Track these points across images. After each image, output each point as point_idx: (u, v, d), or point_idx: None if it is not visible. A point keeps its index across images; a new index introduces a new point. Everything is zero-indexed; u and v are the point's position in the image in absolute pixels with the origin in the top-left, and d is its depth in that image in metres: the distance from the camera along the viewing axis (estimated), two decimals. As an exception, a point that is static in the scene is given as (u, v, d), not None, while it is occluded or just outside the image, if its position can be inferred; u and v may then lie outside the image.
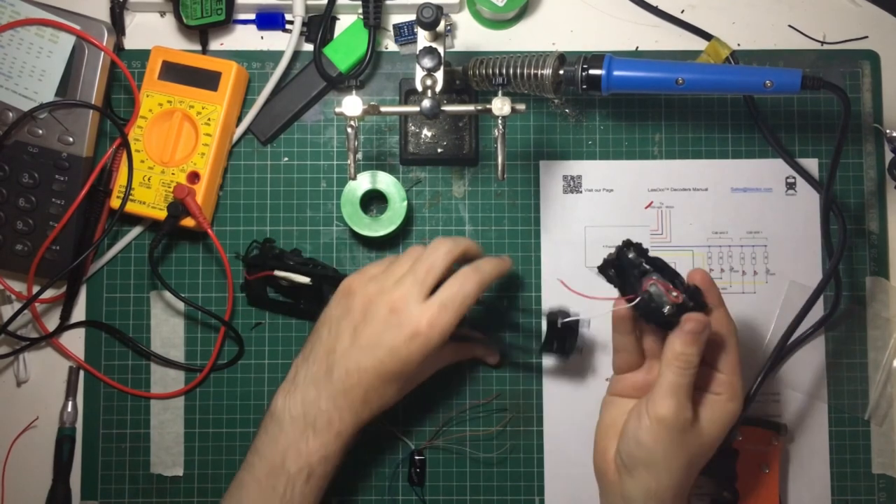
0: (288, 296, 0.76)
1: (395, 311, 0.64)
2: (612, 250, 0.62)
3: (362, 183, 0.74)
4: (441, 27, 0.66)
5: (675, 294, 0.59)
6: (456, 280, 0.65)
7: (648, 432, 0.60)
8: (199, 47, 0.78)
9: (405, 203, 0.74)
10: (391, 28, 0.76)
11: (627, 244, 0.61)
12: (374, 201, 0.77)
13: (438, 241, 0.67)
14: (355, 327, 0.65)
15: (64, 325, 0.76)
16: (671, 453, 0.60)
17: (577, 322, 0.71)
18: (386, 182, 0.74)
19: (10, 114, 0.73)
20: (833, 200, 0.75)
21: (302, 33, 0.76)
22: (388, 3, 0.76)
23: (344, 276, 0.69)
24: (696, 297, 0.60)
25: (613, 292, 0.63)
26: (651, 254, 0.61)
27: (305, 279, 0.73)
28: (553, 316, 0.70)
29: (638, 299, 0.60)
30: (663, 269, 0.61)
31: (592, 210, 0.77)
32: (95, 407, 0.76)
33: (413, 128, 0.77)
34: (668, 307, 0.59)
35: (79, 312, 0.77)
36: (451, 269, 0.66)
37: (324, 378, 0.65)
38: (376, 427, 0.74)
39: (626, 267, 0.61)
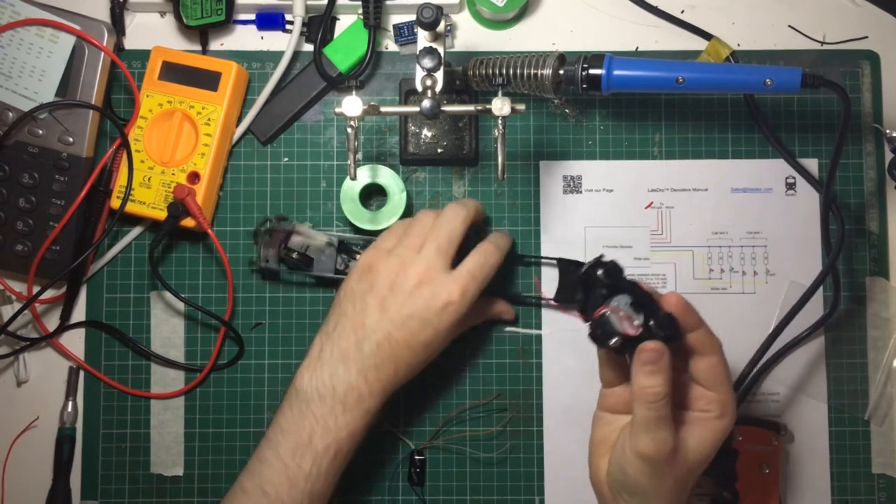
0: (298, 269, 0.76)
1: (423, 282, 0.65)
2: (594, 260, 0.59)
3: (360, 178, 0.74)
4: (441, 27, 0.66)
5: (635, 324, 0.56)
6: (481, 252, 0.68)
7: (631, 465, 0.58)
8: (199, 47, 0.78)
9: (404, 194, 0.74)
10: (391, 28, 0.76)
11: (598, 263, 0.58)
12: (373, 196, 0.77)
13: (452, 207, 0.69)
14: (382, 301, 0.65)
15: (64, 326, 0.76)
16: (657, 482, 0.58)
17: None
18: (384, 175, 0.74)
19: (10, 114, 0.73)
20: (833, 200, 0.75)
21: (302, 33, 0.76)
22: (388, 3, 0.76)
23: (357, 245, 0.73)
24: (669, 326, 0.57)
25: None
26: (644, 264, 0.59)
27: (323, 238, 0.74)
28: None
29: (589, 323, 0.58)
30: (633, 293, 0.57)
31: (592, 210, 0.77)
32: (95, 407, 0.76)
33: (413, 128, 0.77)
34: (615, 339, 0.57)
35: (79, 313, 0.77)
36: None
37: (354, 352, 0.65)
38: (376, 427, 0.74)
39: (593, 286, 0.58)
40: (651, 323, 0.57)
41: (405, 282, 0.65)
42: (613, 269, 0.58)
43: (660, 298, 0.58)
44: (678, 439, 0.58)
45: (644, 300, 0.57)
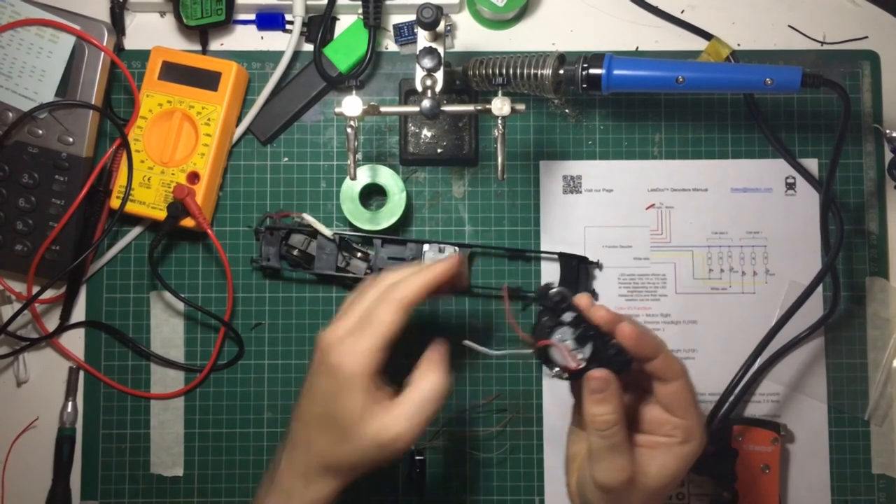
0: (299, 266, 0.76)
1: (320, 351, 0.60)
2: (541, 290, 0.58)
3: (360, 178, 0.74)
4: (441, 27, 0.66)
5: (578, 358, 0.57)
6: (425, 390, 0.60)
7: (592, 492, 0.58)
8: (199, 47, 0.78)
9: (404, 194, 0.74)
10: (391, 28, 0.76)
11: (543, 296, 0.57)
12: (373, 196, 0.77)
13: (384, 296, 0.61)
14: (308, 377, 0.62)
15: (64, 326, 0.76)
16: None
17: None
18: (384, 175, 0.74)
19: (10, 114, 0.73)
20: (832, 200, 0.75)
21: (302, 33, 0.76)
22: (388, 3, 0.76)
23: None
24: (616, 359, 0.56)
25: None
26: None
27: (328, 231, 0.73)
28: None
29: (534, 350, 0.58)
30: (578, 326, 0.57)
31: (592, 210, 0.77)
32: (95, 407, 0.76)
33: (413, 128, 0.77)
34: (555, 370, 0.57)
35: (79, 313, 0.77)
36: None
37: (286, 435, 0.63)
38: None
39: (543, 313, 0.58)
40: (598, 353, 0.57)
41: (318, 357, 0.60)
42: (559, 301, 0.57)
43: (615, 327, 0.57)
44: (639, 465, 0.57)
45: (590, 332, 0.57)
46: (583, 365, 0.57)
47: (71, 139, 0.74)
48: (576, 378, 0.58)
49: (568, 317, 0.57)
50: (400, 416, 0.58)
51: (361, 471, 0.60)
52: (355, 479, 0.61)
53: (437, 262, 0.62)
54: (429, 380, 0.60)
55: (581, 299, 0.58)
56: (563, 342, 0.57)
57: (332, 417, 0.59)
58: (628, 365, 0.57)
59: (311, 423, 0.60)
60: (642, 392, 0.60)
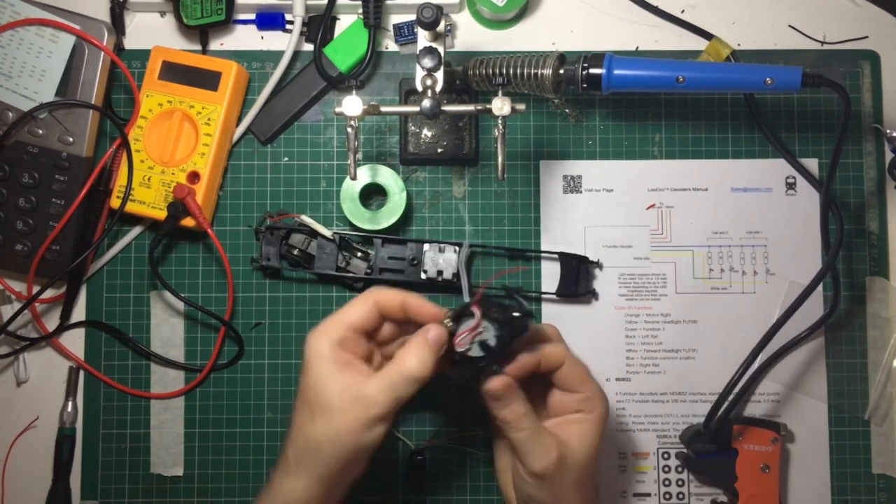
0: (299, 266, 0.76)
1: (304, 364, 0.60)
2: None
3: (360, 178, 0.74)
4: (441, 27, 0.66)
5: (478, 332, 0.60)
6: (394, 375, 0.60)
7: (529, 485, 0.62)
8: (199, 47, 0.78)
9: (404, 194, 0.74)
10: (391, 28, 0.76)
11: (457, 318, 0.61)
12: (373, 195, 0.77)
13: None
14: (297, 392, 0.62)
15: (64, 325, 0.76)
16: (558, 490, 0.62)
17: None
18: (384, 175, 0.74)
19: (10, 114, 0.73)
20: (832, 200, 0.75)
21: (302, 33, 0.76)
22: (388, 3, 0.76)
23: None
24: (516, 320, 0.60)
25: None
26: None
27: (328, 231, 0.74)
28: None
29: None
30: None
31: (592, 210, 0.77)
32: (95, 407, 0.76)
33: (413, 128, 0.77)
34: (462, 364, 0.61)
35: (79, 312, 0.77)
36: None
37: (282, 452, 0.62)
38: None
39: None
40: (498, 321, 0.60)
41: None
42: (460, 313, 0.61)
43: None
44: (562, 444, 0.62)
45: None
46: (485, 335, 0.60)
47: (71, 139, 0.74)
48: (467, 370, 0.61)
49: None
50: (374, 386, 0.58)
51: (340, 456, 0.58)
52: (338, 471, 0.59)
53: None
54: (414, 358, 0.59)
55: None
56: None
57: (306, 397, 0.59)
58: (524, 324, 0.60)
59: (294, 416, 0.60)
60: (542, 388, 0.65)
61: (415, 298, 0.62)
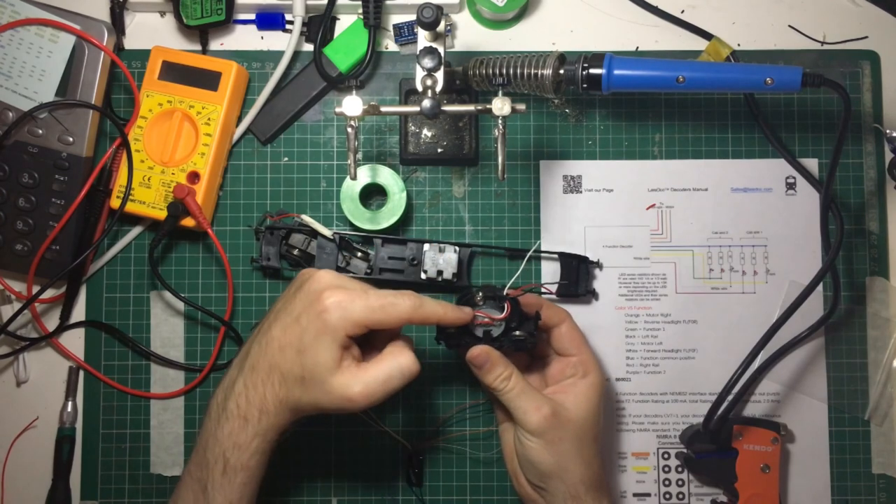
0: (299, 266, 0.76)
1: (313, 290, 0.61)
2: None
3: (360, 178, 0.74)
4: (441, 27, 0.66)
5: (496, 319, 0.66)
6: (388, 293, 0.62)
7: (529, 449, 0.65)
8: (199, 47, 0.78)
9: (404, 194, 0.74)
10: (391, 28, 0.76)
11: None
12: (373, 195, 0.77)
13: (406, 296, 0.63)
14: (284, 304, 0.63)
15: (64, 325, 0.76)
16: (556, 449, 0.65)
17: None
18: (384, 175, 0.74)
19: (10, 114, 0.73)
20: (832, 200, 0.75)
21: (302, 33, 0.76)
22: (388, 3, 0.76)
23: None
24: (524, 336, 0.67)
25: None
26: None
27: (328, 231, 0.74)
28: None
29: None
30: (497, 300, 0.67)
31: (592, 210, 0.77)
32: (95, 407, 0.76)
33: (413, 128, 0.77)
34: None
35: (79, 312, 0.77)
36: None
37: (244, 355, 0.63)
38: (375, 427, 0.74)
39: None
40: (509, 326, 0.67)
41: (307, 290, 0.62)
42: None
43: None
44: (557, 404, 0.66)
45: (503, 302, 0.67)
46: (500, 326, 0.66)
47: (71, 139, 0.74)
48: (452, 345, 0.68)
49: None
50: (367, 379, 0.61)
51: (320, 413, 0.62)
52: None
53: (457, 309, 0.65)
54: (402, 357, 0.62)
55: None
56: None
57: (303, 358, 0.60)
58: (526, 346, 0.67)
59: (279, 356, 0.61)
60: (541, 363, 0.71)
61: (451, 312, 0.64)
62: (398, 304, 0.61)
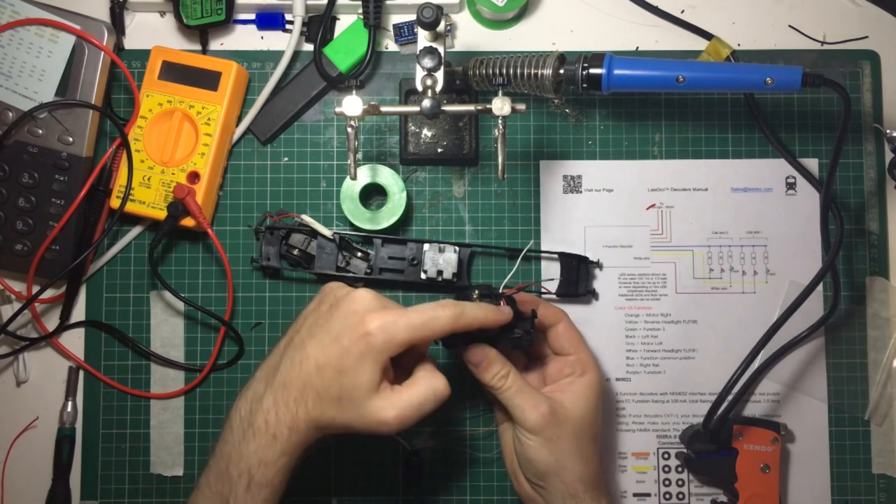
0: (299, 266, 0.76)
1: (354, 311, 0.61)
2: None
3: (360, 178, 0.74)
4: (441, 27, 0.66)
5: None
6: (428, 307, 0.62)
7: (528, 448, 0.65)
8: (199, 47, 0.78)
9: (404, 194, 0.74)
10: (391, 28, 0.76)
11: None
12: (373, 195, 0.77)
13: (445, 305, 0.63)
14: (316, 320, 0.62)
15: (64, 325, 0.76)
16: (555, 447, 0.65)
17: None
18: (384, 175, 0.74)
19: (10, 114, 0.73)
20: (832, 200, 0.75)
21: (302, 33, 0.76)
22: (388, 3, 0.76)
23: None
24: (522, 333, 0.67)
25: None
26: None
27: (328, 231, 0.74)
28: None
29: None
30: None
31: (592, 210, 0.77)
32: (95, 407, 0.76)
33: (413, 128, 0.77)
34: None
35: (79, 312, 0.77)
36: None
37: (272, 370, 0.62)
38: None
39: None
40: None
41: (342, 306, 0.61)
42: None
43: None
44: (555, 402, 0.66)
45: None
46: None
47: (71, 139, 0.74)
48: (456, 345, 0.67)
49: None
50: (401, 403, 0.60)
51: (350, 434, 0.62)
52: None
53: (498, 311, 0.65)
54: (436, 380, 0.62)
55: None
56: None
57: (343, 378, 0.59)
58: (522, 344, 0.67)
59: (316, 375, 0.60)
60: (539, 362, 0.71)
61: (492, 314, 0.64)
62: (440, 318, 0.61)
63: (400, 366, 0.63)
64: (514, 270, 0.73)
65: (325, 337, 0.60)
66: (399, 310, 0.61)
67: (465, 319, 0.62)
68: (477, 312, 0.63)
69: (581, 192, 0.77)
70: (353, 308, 0.60)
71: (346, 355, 0.59)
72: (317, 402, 0.60)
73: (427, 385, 0.61)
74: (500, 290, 0.68)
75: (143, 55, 0.76)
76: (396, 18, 0.77)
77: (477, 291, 0.66)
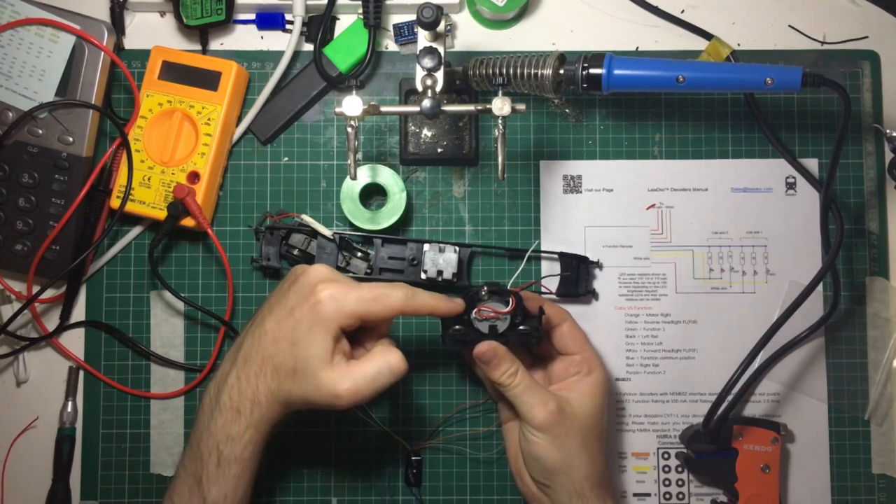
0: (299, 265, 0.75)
1: (308, 283, 0.62)
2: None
3: (360, 178, 0.74)
4: (441, 27, 0.66)
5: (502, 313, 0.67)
6: (381, 285, 0.63)
7: (535, 445, 0.66)
8: (199, 47, 0.78)
9: (404, 194, 0.74)
10: (391, 28, 0.76)
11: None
12: (373, 195, 0.77)
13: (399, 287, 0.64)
14: (278, 298, 0.64)
15: (64, 325, 0.76)
16: (562, 446, 0.65)
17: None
18: (384, 175, 0.74)
19: (10, 114, 0.73)
20: (832, 200, 0.75)
21: (302, 33, 0.76)
22: (388, 3, 0.76)
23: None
24: (528, 330, 0.67)
25: None
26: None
27: (328, 231, 0.74)
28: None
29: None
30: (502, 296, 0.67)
31: (592, 210, 0.77)
32: (95, 407, 0.76)
33: (413, 128, 0.77)
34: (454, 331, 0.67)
35: (79, 312, 0.77)
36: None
37: (237, 349, 0.64)
38: (374, 428, 0.74)
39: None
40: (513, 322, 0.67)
41: (302, 283, 0.62)
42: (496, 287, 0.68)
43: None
44: (562, 401, 0.66)
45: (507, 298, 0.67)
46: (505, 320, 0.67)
47: (71, 139, 0.74)
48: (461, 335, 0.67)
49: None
50: (354, 376, 0.61)
51: (309, 408, 0.63)
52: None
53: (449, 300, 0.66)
54: (390, 355, 0.62)
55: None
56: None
57: (296, 350, 0.61)
58: (531, 340, 0.67)
59: (272, 347, 0.62)
60: (544, 362, 0.71)
61: (444, 303, 0.65)
62: (391, 295, 0.62)
63: (360, 345, 0.65)
64: (518, 270, 0.73)
65: (281, 311, 0.62)
66: (352, 283, 0.63)
67: (416, 302, 0.63)
68: (428, 299, 0.64)
69: (581, 192, 0.77)
70: (307, 280, 0.62)
71: (298, 326, 0.61)
72: (275, 375, 0.61)
73: (381, 359, 0.62)
74: (508, 288, 0.68)
75: (143, 55, 0.76)
76: (396, 18, 0.77)
77: (486, 288, 0.67)
